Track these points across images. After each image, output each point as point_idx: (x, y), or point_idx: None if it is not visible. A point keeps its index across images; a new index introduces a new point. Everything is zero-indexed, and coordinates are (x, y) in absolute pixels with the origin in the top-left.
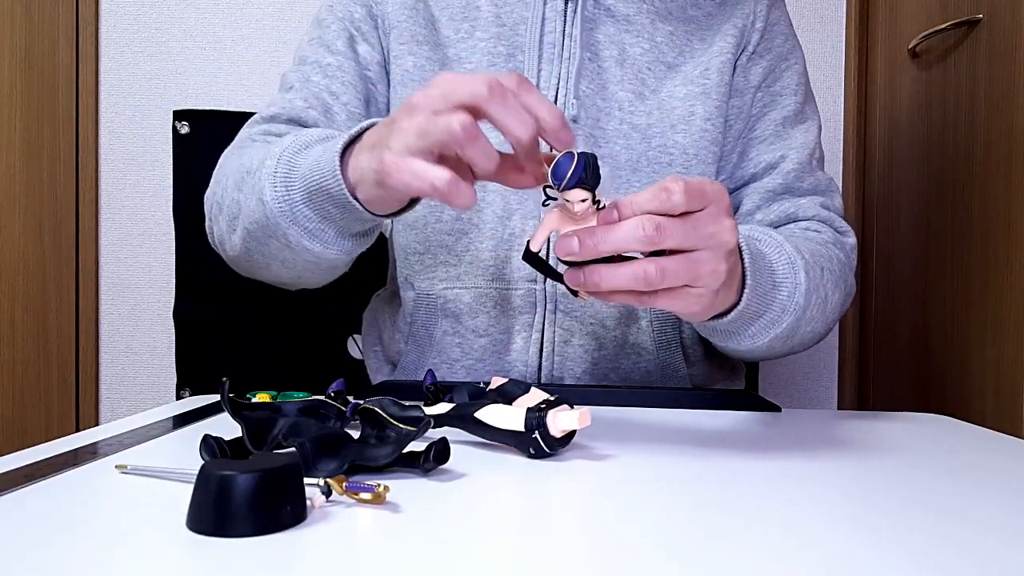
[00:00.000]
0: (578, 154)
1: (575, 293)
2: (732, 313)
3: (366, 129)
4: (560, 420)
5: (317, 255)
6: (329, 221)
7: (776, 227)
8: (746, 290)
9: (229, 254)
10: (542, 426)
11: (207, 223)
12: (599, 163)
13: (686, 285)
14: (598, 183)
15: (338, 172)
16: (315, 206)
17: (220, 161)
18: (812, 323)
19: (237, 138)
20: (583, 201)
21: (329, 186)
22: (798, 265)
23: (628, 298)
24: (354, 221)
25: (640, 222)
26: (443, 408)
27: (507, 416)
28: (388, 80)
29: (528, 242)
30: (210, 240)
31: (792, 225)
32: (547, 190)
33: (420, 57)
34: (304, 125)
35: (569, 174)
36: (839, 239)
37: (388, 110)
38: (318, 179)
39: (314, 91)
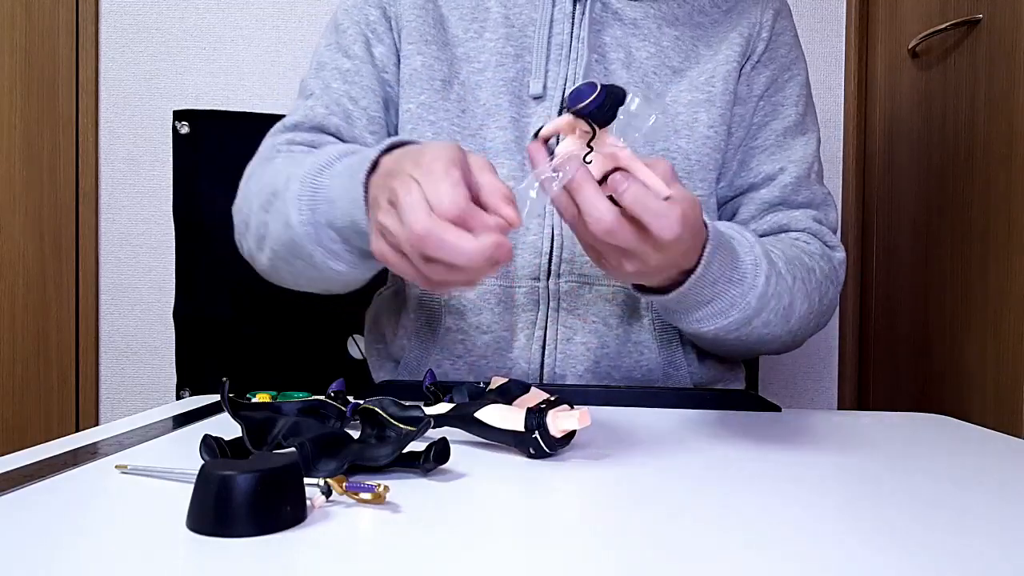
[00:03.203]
0: (602, 88)
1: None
2: (673, 293)
3: (386, 150)
4: (560, 420)
5: (342, 274)
6: (352, 245)
7: (765, 236)
8: (693, 275)
9: (259, 268)
10: (542, 426)
11: (236, 236)
12: (631, 98)
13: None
14: (608, 122)
15: (363, 204)
16: (339, 231)
17: (247, 172)
18: (769, 327)
19: (261, 148)
20: (585, 133)
21: (355, 217)
22: (760, 269)
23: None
24: None
25: (605, 215)
26: (443, 408)
27: (507, 416)
28: (399, 80)
29: (542, 128)
30: (241, 252)
31: (783, 235)
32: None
33: (428, 56)
34: (326, 132)
35: (583, 104)
36: (827, 252)
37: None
38: (344, 208)
39: (334, 97)
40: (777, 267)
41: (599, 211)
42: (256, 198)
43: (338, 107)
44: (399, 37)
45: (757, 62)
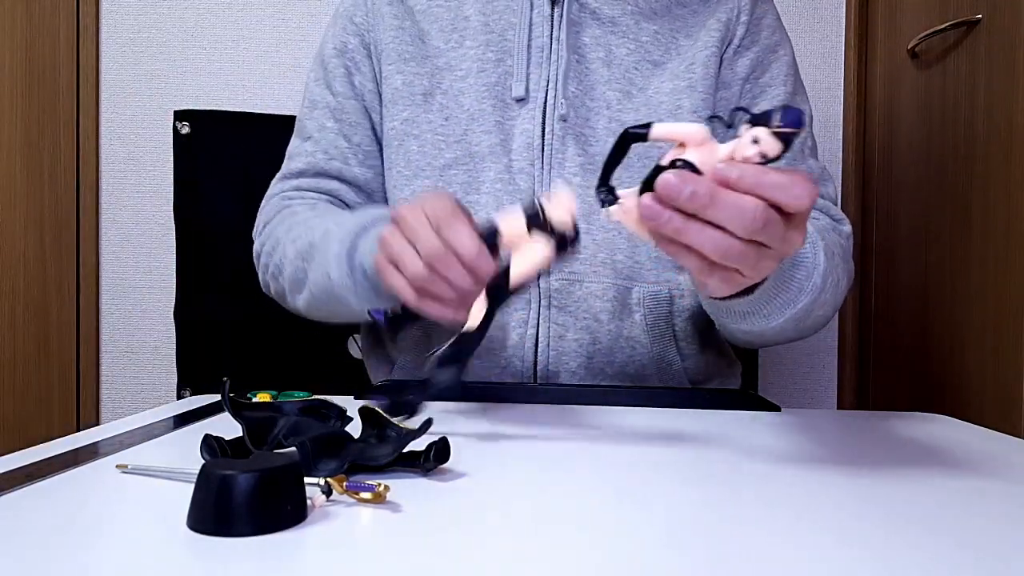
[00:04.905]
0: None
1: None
2: (754, 293)
3: None
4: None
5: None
6: (383, 294)
7: None
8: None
9: (291, 307)
10: (542, 210)
11: (261, 278)
12: None
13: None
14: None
15: None
16: (375, 285)
17: (263, 217)
18: (824, 307)
19: (269, 195)
20: (774, 158)
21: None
22: (818, 246)
23: (682, 253)
24: None
25: (757, 209)
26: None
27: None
28: (380, 100)
29: (653, 124)
30: (264, 291)
31: None
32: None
33: (408, 74)
34: (329, 176)
35: (795, 128)
36: (836, 227)
37: (382, 129)
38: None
39: (330, 139)
40: (826, 242)
41: (749, 207)
42: (291, 247)
43: (335, 149)
44: (379, 61)
45: (739, 46)
